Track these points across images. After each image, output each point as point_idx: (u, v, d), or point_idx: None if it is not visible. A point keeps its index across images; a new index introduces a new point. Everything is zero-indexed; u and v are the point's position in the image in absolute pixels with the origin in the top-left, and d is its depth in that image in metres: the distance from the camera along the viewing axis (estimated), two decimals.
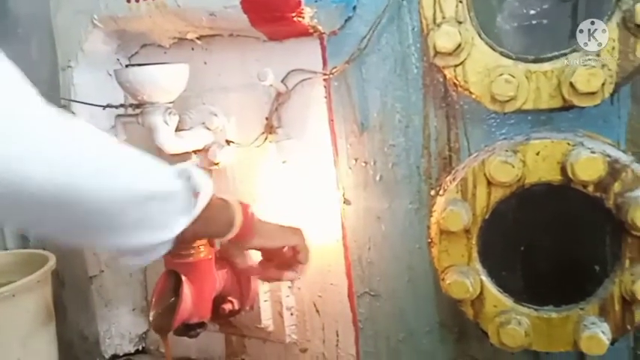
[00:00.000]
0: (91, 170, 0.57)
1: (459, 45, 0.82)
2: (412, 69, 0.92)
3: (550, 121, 0.86)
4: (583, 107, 0.80)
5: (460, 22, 0.82)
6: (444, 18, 0.83)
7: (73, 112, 1.17)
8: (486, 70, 0.83)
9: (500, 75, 0.81)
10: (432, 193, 0.95)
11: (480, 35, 0.83)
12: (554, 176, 0.82)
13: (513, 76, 0.80)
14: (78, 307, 1.31)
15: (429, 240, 0.93)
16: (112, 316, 1.30)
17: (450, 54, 0.83)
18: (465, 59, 0.83)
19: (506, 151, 0.84)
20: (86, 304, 1.29)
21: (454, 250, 0.90)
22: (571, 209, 0.85)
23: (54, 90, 1.20)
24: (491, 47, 0.83)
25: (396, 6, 0.91)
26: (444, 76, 0.89)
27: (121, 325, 1.31)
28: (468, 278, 0.88)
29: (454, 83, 0.87)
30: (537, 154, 0.83)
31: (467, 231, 0.88)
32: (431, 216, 0.94)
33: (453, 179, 0.90)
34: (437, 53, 0.84)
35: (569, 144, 0.81)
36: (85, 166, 0.56)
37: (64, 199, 0.55)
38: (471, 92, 0.85)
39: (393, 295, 1.02)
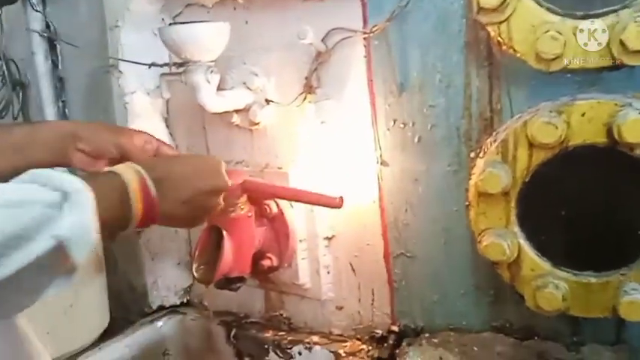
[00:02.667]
0: None
1: (504, 0, 0.79)
2: (454, 27, 0.90)
3: (598, 81, 0.82)
4: (633, 66, 0.77)
5: None
6: None
7: (120, 71, 1.21)
8: (532, 27, 0.80)
9: (547, 32, 0.78)
10: (472, 155, 0.94)
11: None
12: (600, 138, 0.80)
13: (560, 33, 0.77)
14: (127, 259, 1.37)
15: (467, 203, 0.93)
16: (158, 270, 1.36)
17: (494, 10, 0.80)
18: (510, 15, 0.80)
19: (550, 112, 0.81)
20: (135, 257, 1.35)
21: (492, 213, 0.89)
22: (615, 172, 0.82)
23: (103, 49, 1.24)
24: (537, 3, 0.80)
25: None
26: (488, 34, 0.86)
27: (167, 278, 1.37)
28: (505, 241, 0.87)
29: (498, 41, 0.84)
30: (582, 115, 0.80)
31: (506, 194, 0.87)
32: (469, 178, 0.93)
33: (494, 141, 0.89)
34: (480, 9, 0.81)
35: (616, 105, 0.78)
36: None
37: None
38: (515, 50, 0.83)
39: (429, 257, 1.02)
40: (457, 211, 0.97)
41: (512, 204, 0.87)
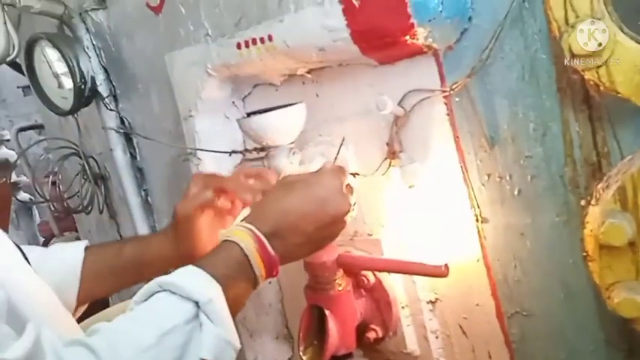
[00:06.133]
0: None
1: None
2: (543, 74, 0.85)
3: None
4: None
5: (597, 19, 0.74)
6: (577, 17, 0.75)
7: (199, 159, 1.23)
8: (635, 67, 0.74)
9: None
10: (583, 203, 0.87)
11: (622, 30, 0.74)
12: None
13: None
14: None
15: (585, 254, 0.86)
16: (257, 345, 1.35)
17: (589, 55, 0.75)
18: (608, 58, 0.75)
19: None
20: None
21: (618, 266, 0.82)
22: None
23: (179, 140, 1.26)
24: (637, 41, 0.74)
25: (517, 10, 0.84)
26: (582, 77, 0.80)
27: (267, 353, 1.35)
28: (639, 294, 0.80)
29: (596, 84, 0.78)
30: None
31: (632, 244, 0.79)
32: (583, 228, 0.86)
33: (607, 187, 0.82)
34: (574, 56, 0.76)
35: None
36: None
37: None
38: (617, 92, 0.77)
39: (549, 313, 0.95)
40: (573, 263, 0.91)
41: None
